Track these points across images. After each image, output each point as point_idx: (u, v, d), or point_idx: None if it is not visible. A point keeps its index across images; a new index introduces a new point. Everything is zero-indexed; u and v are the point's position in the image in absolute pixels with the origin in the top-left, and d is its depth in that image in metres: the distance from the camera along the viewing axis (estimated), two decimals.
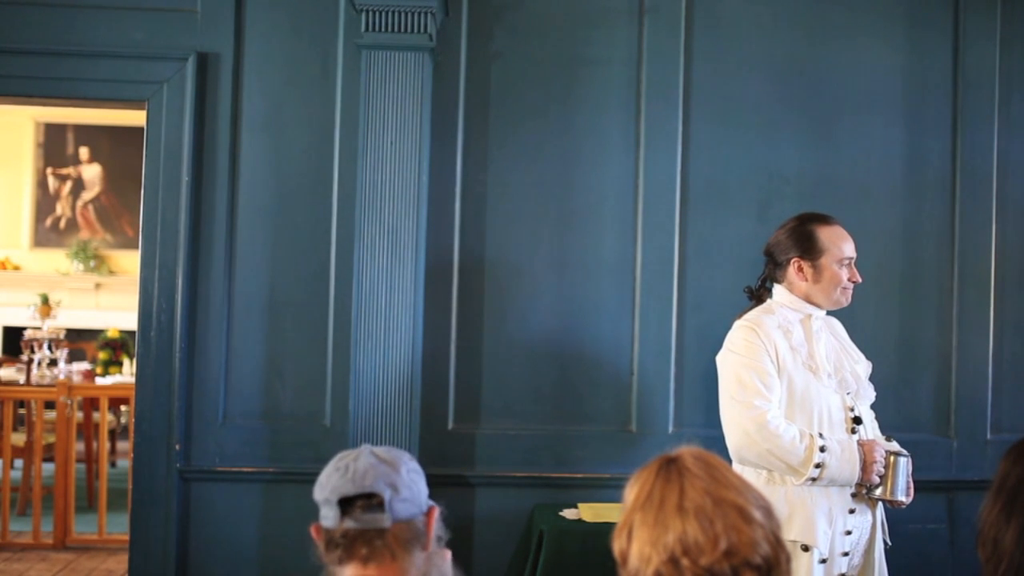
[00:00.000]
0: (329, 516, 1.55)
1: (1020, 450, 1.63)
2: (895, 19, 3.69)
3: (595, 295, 3.59)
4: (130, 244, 9.52)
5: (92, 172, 9.71)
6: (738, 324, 2.77)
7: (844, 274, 2.75)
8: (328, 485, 1.56)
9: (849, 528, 2.66)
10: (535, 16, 3.62)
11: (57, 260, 9.65)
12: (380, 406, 3.28)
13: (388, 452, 1.60)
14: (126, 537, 3.91)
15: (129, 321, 7.86)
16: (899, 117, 3.68)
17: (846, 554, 2.66)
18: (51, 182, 9.70)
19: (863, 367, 2.83)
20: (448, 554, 1.61)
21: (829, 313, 2.84)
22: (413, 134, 3.33)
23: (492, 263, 3.58)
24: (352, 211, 3.46)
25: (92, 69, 3.50)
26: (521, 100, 3.61)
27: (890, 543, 2.77)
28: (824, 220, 2.79)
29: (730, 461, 2.65)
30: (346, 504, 1.54)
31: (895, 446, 2.75)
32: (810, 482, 2.60)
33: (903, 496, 2.66)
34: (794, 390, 2.67)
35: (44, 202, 9.70)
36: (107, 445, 5.80)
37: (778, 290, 2.82)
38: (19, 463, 6.31)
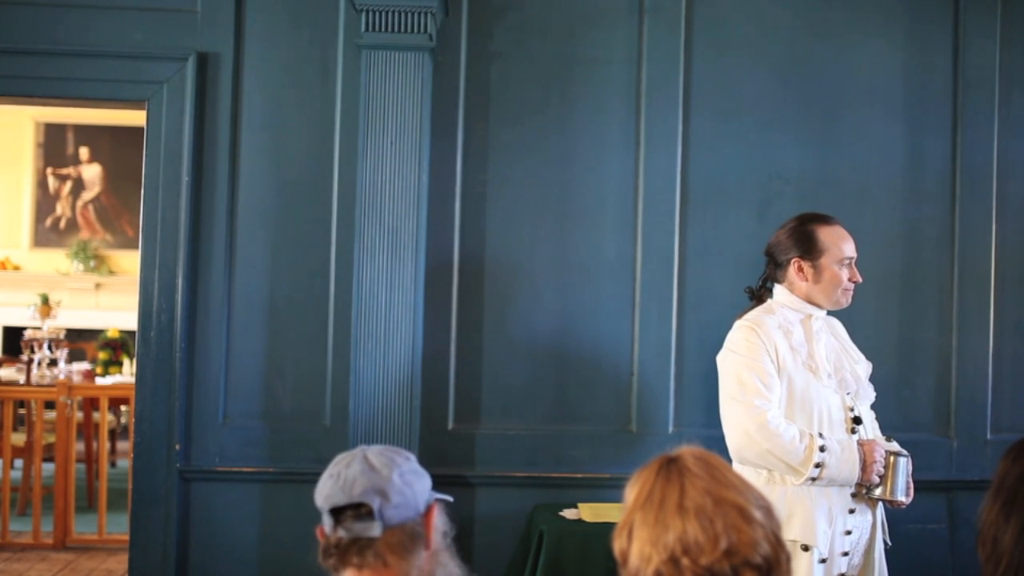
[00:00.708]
0: (326, 523, 1.56)
1: (1019, 449, 1.63)
2: (895, 19, 3.69)
3: (595, 295, 3.59)
4: (130, 244, 9.51)
5: (92, 172, 9.71)
6: (738, 324, 2.77)
7: (845, 274, 2.75)
8: (322, 493, 1.57)
9: (849, 528, 2.66)
10: (535, 16, 3.62)
11: (57, 260, 9.65)
12: (380, 406, 3.28)
13: (383, 455, 1.59)
14: (126, 537, 3.91)
15: (129, 321, 7.85)
16: (899, 117, 3.68)
17: (846, 554, 2.66)
18: (51, 182, 9.70)
19: (863, 367, 2.83)
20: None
21: (830, 313, 2.84)
22: (413, 134, 3.33)
23: (492, 263, 3.58)
24: (352, 211, 3.46)
25: (92, 69, 3.50)
26: (521, 100, 3.61)
27: (890, 543, 2.77)
28: (825, 220, 2.79)
29: (730, 461, 2.65)
30: (337, 513, 1.54)
31: (895, 446, 2.75)
32: (810, 482, 2.59)
33: (903, 496, 2.66)
34: (794, 390, 2.67)
35: (44, 202, 9.70)
36: (107, 445, 5.80)
37: (779, 290, 2.82)
38: (19, 463, 6.31)
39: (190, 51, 3.49)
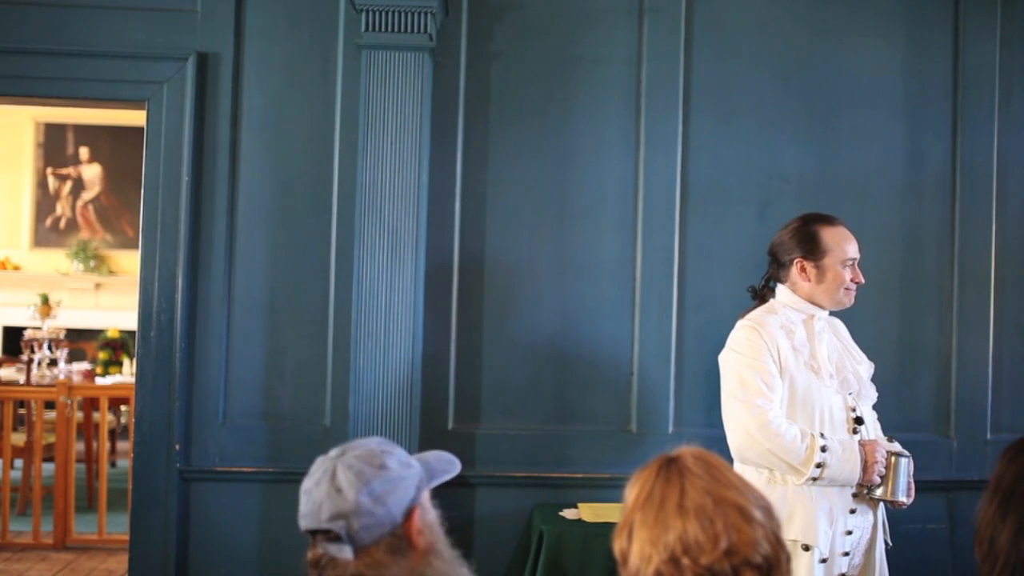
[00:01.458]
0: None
1: (1016, 449, 1.64)
2: (895, 19, 3.69)
3: (595, 295, 3.59)
4: (130, 244, 9.51)
5: (92, 172, 9.71)
6: (741, 324, 2.77)
7: (847, 275, 2.75)
8: (300, 509, 1.56)
9: (850, 528, 2.66)
10: (535, 16, 3.62)
11: (57, 260, 9.65)
12: (380, 406, 3.28)
13: (351, 470, 1.53)
14: (126, 537, 3.91)
15: (129, 321, 7.86)
16: (899, 117, 3.68)
17: (846, 554, 2.66)
18: (51, 182, 9.70)
19: (865, 368, 2.83)
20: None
21: (832, 314, 2.84)
22: (413, 134, 3.33)
23: (492, 263, 3.58)
24: (352, 211, 3.46)
25: (92, 69, 3.50)
26: (521, 100, 3.61)
27: (891, 543, 2.77)
28: (828, 220, 2.79)
29: (731, 461, 2.65)
30: (312, 533, 1.54)
31: (896, 447, 2.75)
32: (811, 482, 2.60)
33: (904, 496, 2.66)
34: (796, 390, 2.67)
35: (44, 202, 9.70)
36: (107, 445, 5.79)
37: (781, 290, 2.82)
38: (19, 463, 6.31)
39: (190, 51, 3.49)
